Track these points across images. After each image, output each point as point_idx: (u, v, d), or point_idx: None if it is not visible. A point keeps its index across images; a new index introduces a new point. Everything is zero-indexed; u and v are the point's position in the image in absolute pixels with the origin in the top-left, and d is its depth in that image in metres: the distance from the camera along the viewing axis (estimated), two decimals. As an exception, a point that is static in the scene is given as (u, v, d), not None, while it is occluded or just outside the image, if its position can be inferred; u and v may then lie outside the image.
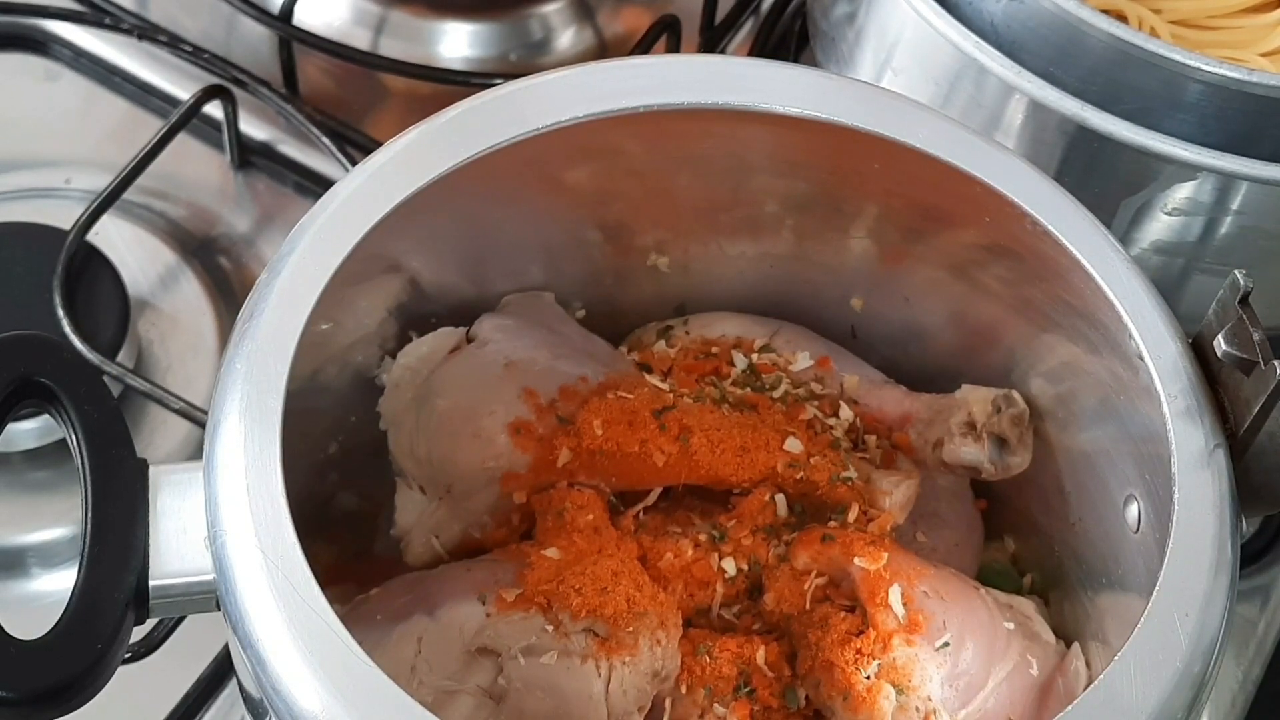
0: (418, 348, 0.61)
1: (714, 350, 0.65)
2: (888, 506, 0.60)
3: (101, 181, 0.81)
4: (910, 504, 0.61)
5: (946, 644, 0.56)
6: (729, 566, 0.59)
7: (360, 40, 0.93)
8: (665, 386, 0.62)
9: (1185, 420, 0.52)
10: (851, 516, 0.60)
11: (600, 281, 0.66)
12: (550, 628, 0.54)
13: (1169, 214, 0.70)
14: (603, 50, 0.96)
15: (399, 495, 0.60)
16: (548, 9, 0.96)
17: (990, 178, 0.57)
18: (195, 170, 0.87)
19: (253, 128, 0.88)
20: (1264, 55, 0.79)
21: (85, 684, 0.46)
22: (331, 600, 0.46)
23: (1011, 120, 0.71)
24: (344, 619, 0.46)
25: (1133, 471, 0.56)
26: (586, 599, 0.54)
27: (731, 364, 0.65)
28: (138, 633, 0.53)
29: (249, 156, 0.88)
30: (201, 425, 0.69)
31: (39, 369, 0.49)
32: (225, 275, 0.83)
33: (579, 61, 0.67)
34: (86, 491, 0.48)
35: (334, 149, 0.84)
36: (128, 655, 0.63)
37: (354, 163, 0.74)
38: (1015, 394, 0.62)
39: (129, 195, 0.82)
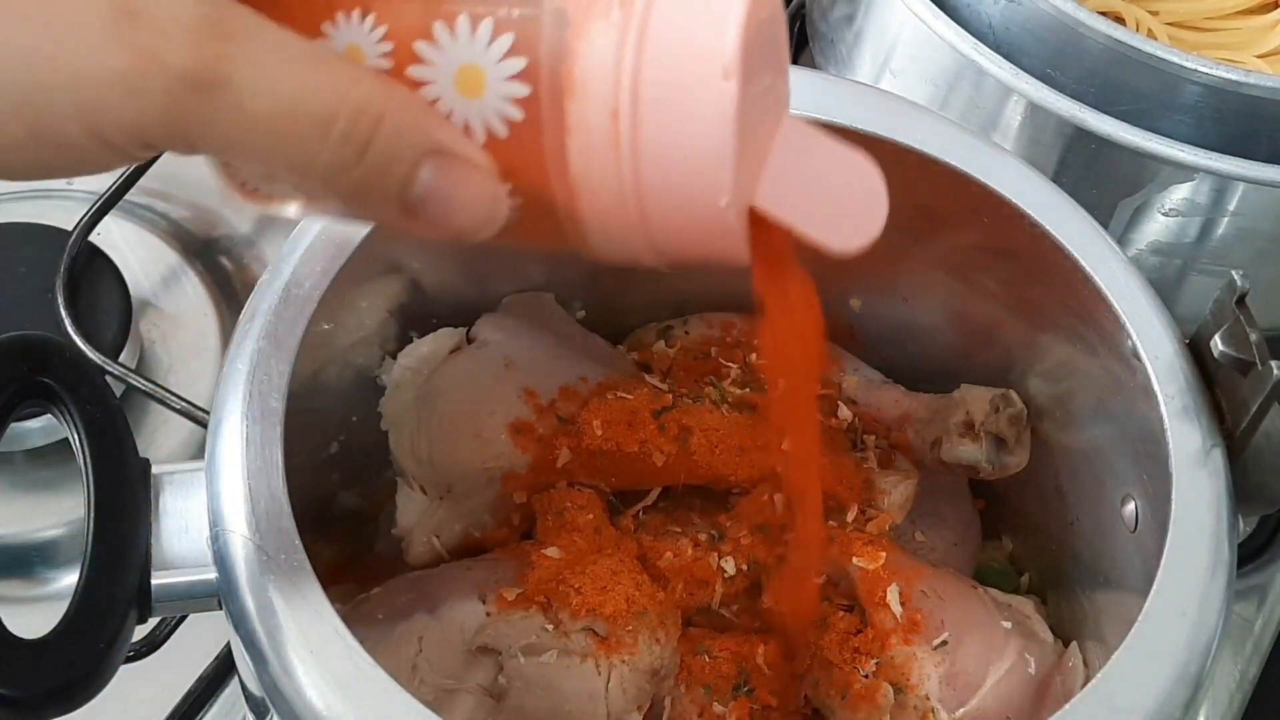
0: (418, 348, 0.61)
1: (713, 350, 0.66)
2: (886, 506, 0.60)
3: (104, 182, 0.81)
4: (909, 503, 0.61)
5: (944, 643, 0.56)
6: (728, 566, 0.59)
7: (361, 41, 0.93)
8: (665, 386, 0.63)
9: (1182, 420, 0.52)
10: (850, 516, 0.60)
11: (600, 282, 0.67)
12: (550, 627, 0.55)
13: (1166, 215, 0.70)
14: (603, 51, 0.96)
15: (400, 495, 0.60)
16: (548, 10, 0.96)
17: (988, 179, 0.57)
18: (197, 171, 0.87)
19: (255, 129, 0.88)
20: (1260, 57, 0.79)
21: (87, 683, 0.46)
22: (333, 599, 0.46)
23: (1009, 122, 0.71)
24: (345, 618, 0.46)
25: (1130, 471, 0.56)
26: (586, 598, 0.55)
27: (731, 364, 0.65)
28: (139, 632, 0.53)
29: (251, 157, 0.88)
30: (203, 425, 0.70)
31: (42, 369, 0.49)
32: (227, 276, 0.84)
33: (579, 63, 0.67)
34: (89, 491, 0.48)
35: (335, 150, 0.84)
36: (130, 654, 0.63)
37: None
38: (1013, 394, 0.62)
39: (131, 196, 0.82)
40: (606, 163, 0.38)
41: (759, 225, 0.40)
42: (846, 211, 0.41)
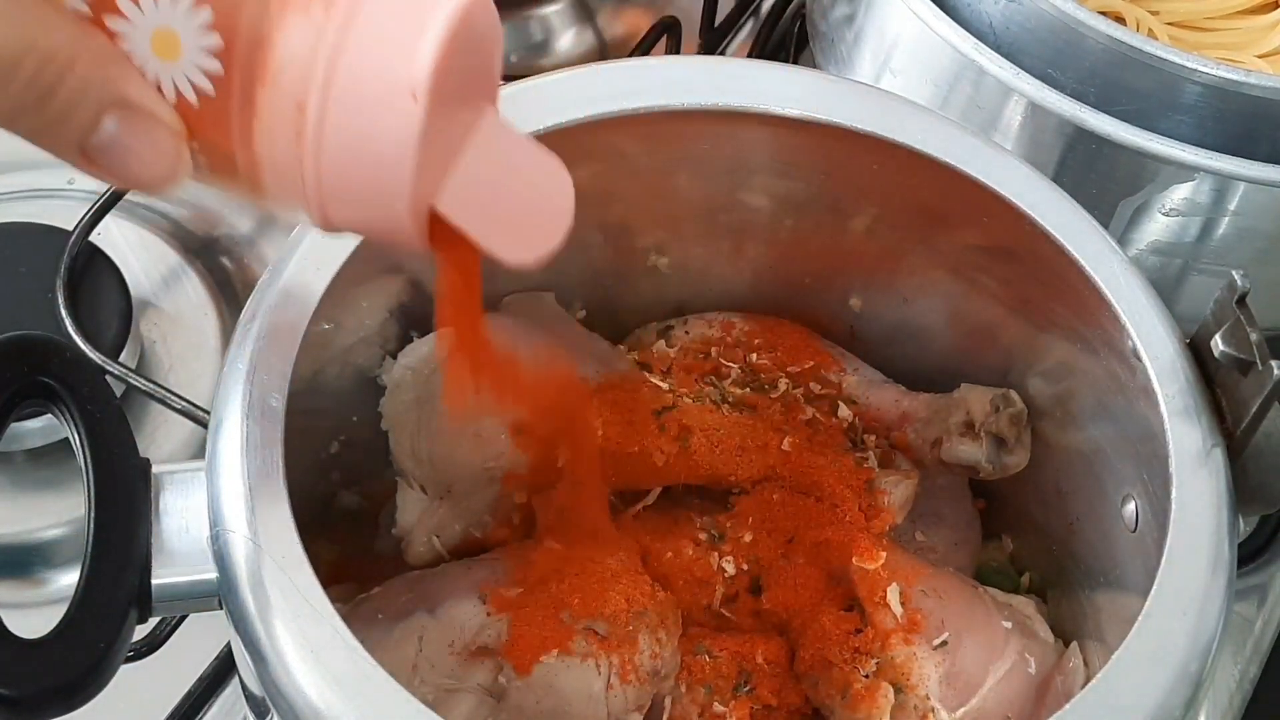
0: (419, 348, 0.61)
1: (713, 350, 0.66)
2: (886, 506, 0.60)
3: (104, 182, 0.81)
4: (909, 503, 0.61)
5: (944, 642, 0.56)
6: (728, 566, 0.59)
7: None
8: (665, 386, 0.63)
9: (1183, 420, 0.52)
10: (850, 516, 0.60)
11: (600, 282, 0.67)
12: (550, 626, 0.55)
13: (1167, 215, 0.70)
14: (603, 52, 0.97)
15: (400, 495, 0.60)
16: (548, 10, 0.96)
17: (988, 179, 0.57)
18: (197, 171, 0.87)
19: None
20: (1261, 57, 0.79)
21: (87, 683, 0.46)
22: (333, 599, 0.46)
23: (1010, 122, 0.71)
24: (345, 617, 0.46)
25: (1130, 471, 0.56)
26: (587, 598, 0.55)
27: (731, 364, 0.65)
28: (140, 631, 0.53)
29: (251, 157, 0.88)
30: (203, 425, 0.70)
31: (42, 369, 0.49)
32: (228, 275, 0.84)
33: (579, 63, 0.67)
34: (90, 491, 0.48)
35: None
36: (130, 654, 0.63)
37: (355, 164, 0.74)
38: (1013, 393, 0.62)
39: (131, 196, 0.82)
40: (289, 150, 0.39)
41: (439, 219, 0.41)
42: (529, 222, 0.42)
